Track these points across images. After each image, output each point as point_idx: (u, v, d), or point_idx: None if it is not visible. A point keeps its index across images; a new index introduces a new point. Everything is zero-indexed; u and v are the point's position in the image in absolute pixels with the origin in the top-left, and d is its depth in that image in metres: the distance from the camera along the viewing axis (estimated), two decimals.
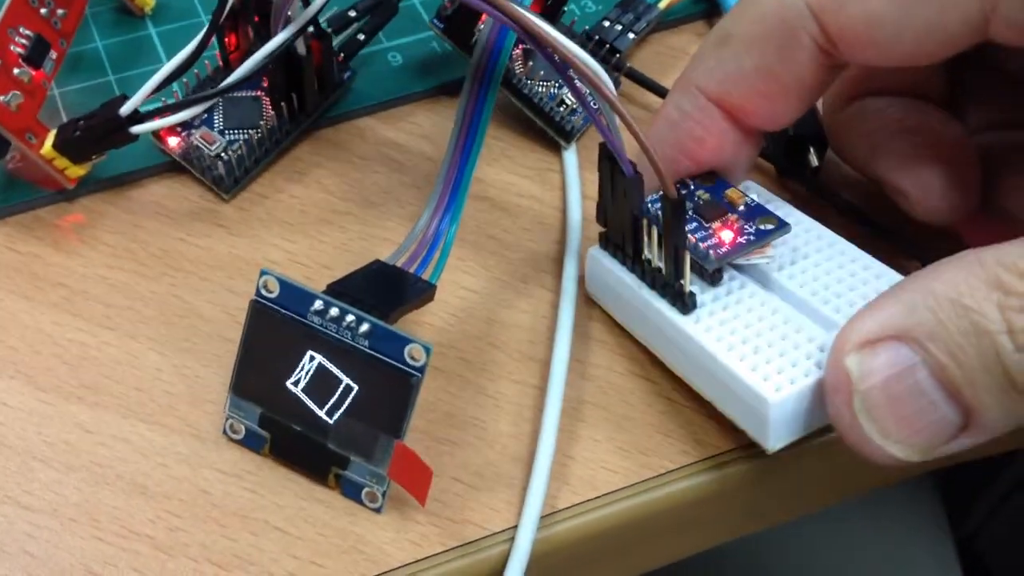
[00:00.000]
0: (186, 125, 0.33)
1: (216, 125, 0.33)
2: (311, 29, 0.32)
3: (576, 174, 0.34)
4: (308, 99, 0.33)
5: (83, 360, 0.30)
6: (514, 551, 0.27)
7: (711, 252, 0.28)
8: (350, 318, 0.26)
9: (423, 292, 0.28)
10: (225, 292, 0.31)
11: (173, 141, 0.33)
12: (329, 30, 0.34)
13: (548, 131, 0.35)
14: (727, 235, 0.29)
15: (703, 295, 0.28)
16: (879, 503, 0.62)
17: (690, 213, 0.29)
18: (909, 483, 0.62)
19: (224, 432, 0.28)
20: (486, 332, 0.31)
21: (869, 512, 0.61)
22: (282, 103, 0.33)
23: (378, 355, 0.26)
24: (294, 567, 0.27)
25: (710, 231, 0.29)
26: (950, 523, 0.63)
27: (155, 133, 0.33)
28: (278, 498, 0.28)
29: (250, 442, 0.28)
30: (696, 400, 0.30)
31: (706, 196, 0.30)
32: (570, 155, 0.34)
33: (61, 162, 0.31)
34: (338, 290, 0.27)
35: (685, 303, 0.28)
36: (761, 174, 0.34)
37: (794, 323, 0.28)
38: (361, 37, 0.35)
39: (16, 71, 0.31)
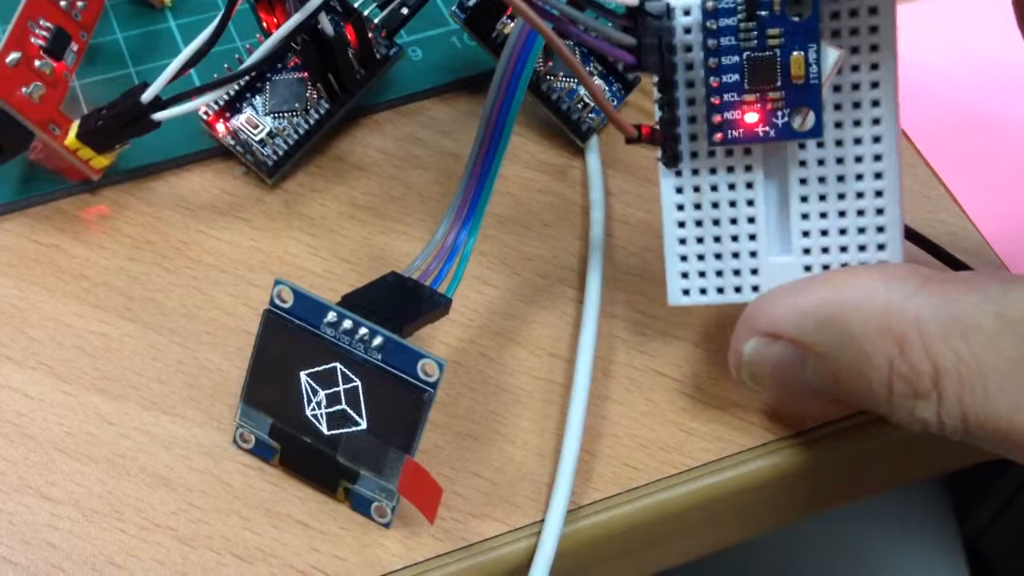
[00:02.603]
0: (234, 111, 0.33)
1: (261, 110, 0.33)
2: (339, 8, 0.32)
3: (598, 170, 0.34)
4: (346, 78, 0.33)
5: (105, 352, 0.30)
6: (540, 547, 0.27)
7: (716, 132, 0.27)
8: (363, 331, 0.26)
9: (438, 306, 0.28)
10: (246, 285, 0.31)
11: (220, 128, 0.33)
12: (368, 8, 0.33)
13: (565, 130, 0.34)
14: (751, 117, 0.26)
15: (703, 147, 0.27)
16: (887, 501, 0.62)
17: (740, 58, 0.26)
18: (917, 482, 0.62)
19: (234, 441, 0.28)
20: (507, 328, 0.31)
21: (877, 509, 0.61)
22: (318, 84, 0.33)
23: (391, 369, 0.26)
24: (316, 560, 0.27)
25: (740, 100, 0.26)
26: (958, 523, 0.63)
27: (205, 120, 0.33)
28: (299, 492, 0.28)
29: (260, 452, 0.28)
30: (718, 397, 0.30)
31: (776, 42, 0.26)
32: (592, 151, 0.34)
33: (85, 152, 0.31)
34: (352, 302, 0.27)
35: (669, 156, 0.27)
36: None
37: (755, 230, 0.27)
38: (404, 11, 0.35)
39: (37, 63, 0.31)
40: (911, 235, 0.30)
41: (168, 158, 0.33)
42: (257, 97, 0.33)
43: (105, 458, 0.28)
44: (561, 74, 0.34)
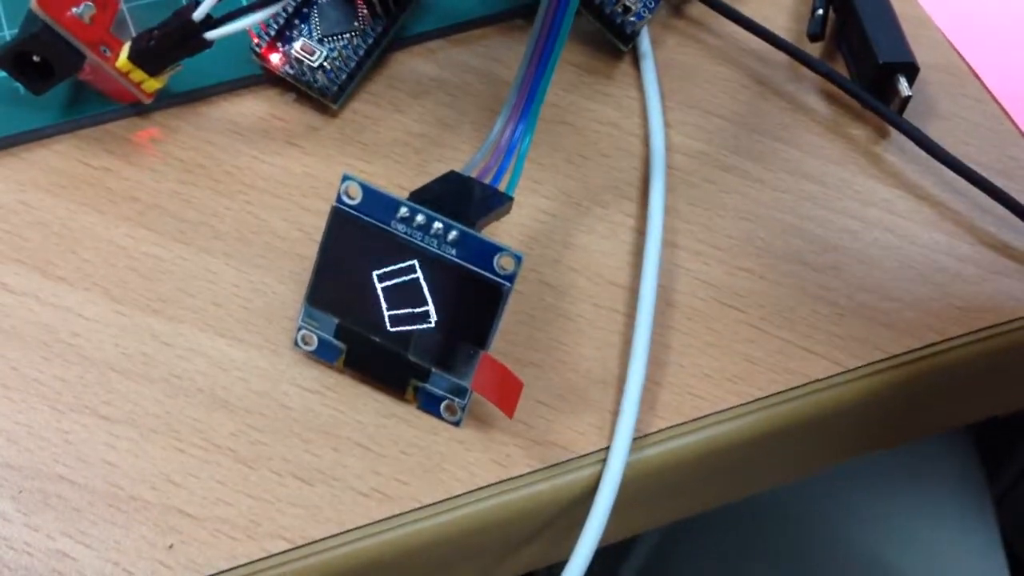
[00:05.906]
0: (285, 39, 0.32)
1: (314, 35, 0.33)
2: None
3: (657, 101, 0.33)
4: None
5: (158, 274, 0.29)
6: (606, 473, 0.26)
7: None
8: (438, 226, 0.26)
9: (501, 203, 0.28)
10: (300, 210, 0.31)
11: (275, 58, 0.32)
12: None
13: (608, 35, 0.34)
14: None
15: None
16: (916, 461, 0.61)
17: None
18: (946, 444, 0.61)
19: (295, 343, 0.28)
20: (566, 257, 0.30)
21: (908, 470, 0.61)
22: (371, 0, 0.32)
23: (467, 264, 0.26)
24: (377, 483, 0.26)
25: None
26: (988, 482, 0.62)
27: (257, 53, 0.32)
28: (360, 415, 0.27)
29: (323, 354, 0.28)
30: (784, 328, 0.29)
31: None
32: (650, 81, 0.33)
33: (137, 75, 0.31)
34: (422, 197, 0.27)
35: None
36: (840, 106, 0.33)
37: None
38: None
39: None
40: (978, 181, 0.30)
41: (218, 82, 0.33)
42: (305, 25, 0.33)
43: (162, 379, 0.27)
44: None
